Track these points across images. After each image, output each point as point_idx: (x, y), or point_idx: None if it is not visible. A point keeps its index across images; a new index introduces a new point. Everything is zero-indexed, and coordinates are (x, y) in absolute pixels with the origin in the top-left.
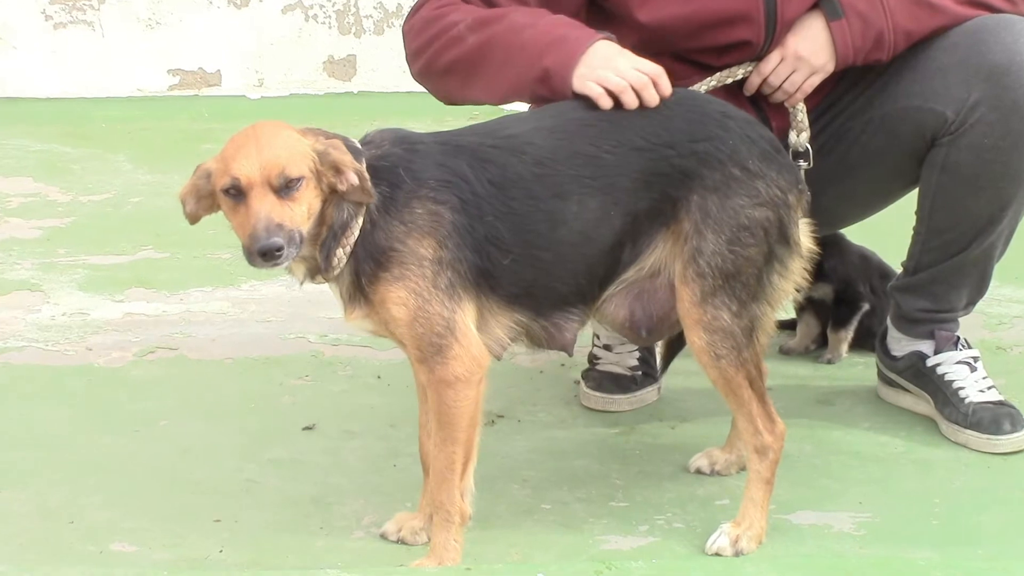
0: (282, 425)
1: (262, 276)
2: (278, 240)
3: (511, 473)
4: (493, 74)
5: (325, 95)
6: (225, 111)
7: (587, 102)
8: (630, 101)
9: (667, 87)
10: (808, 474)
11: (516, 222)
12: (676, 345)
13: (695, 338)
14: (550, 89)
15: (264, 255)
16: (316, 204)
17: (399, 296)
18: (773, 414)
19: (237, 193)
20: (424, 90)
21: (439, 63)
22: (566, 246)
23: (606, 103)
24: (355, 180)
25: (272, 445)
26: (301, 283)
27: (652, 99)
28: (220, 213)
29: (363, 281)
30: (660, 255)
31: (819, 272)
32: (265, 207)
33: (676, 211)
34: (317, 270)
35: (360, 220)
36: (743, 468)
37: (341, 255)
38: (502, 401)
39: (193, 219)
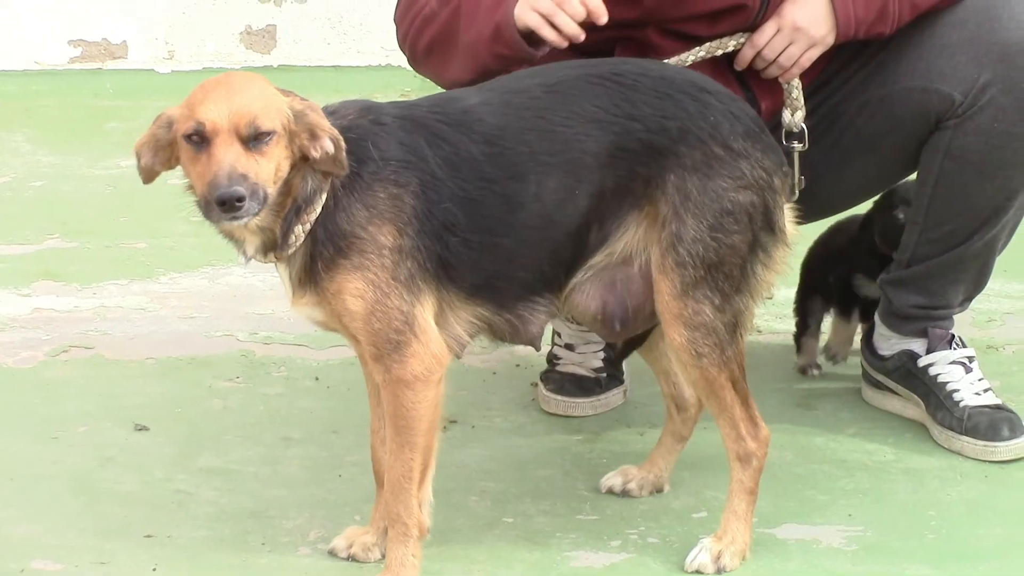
0: (214, 432)
1: (182, 267)
2: (239, 189)
3: (468, 484)
4: (463, 45)
5: (243, 68)
6: (132, 87)
7: (534, 73)
8: (563, 23)
9: (598, 14)
10: (792, 484)
11: (471, 207)
12: (636, 339)
13: (675, 334)
14: (506, 45)
15: (223, 204)
16: (285, 166)
17: (357, 287)
18: (757, 418)
19: (200, 140)
20: (351, 64)
21: (420, 45)
22: (527, 230)
23: (548, 33)
24: (330, 148)
25: (204, 453)
26: (247, 259)
27: (565, 25)
28: (177, 171)
29: (319, 266)
30: (632, 239)
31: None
32: (230, 155)
33: (649, 191)
34: (271, 246)
35: (324, 196)
36: (659, 490)
37: (299, 232)
38: (454, 405)
39: (148, 175)
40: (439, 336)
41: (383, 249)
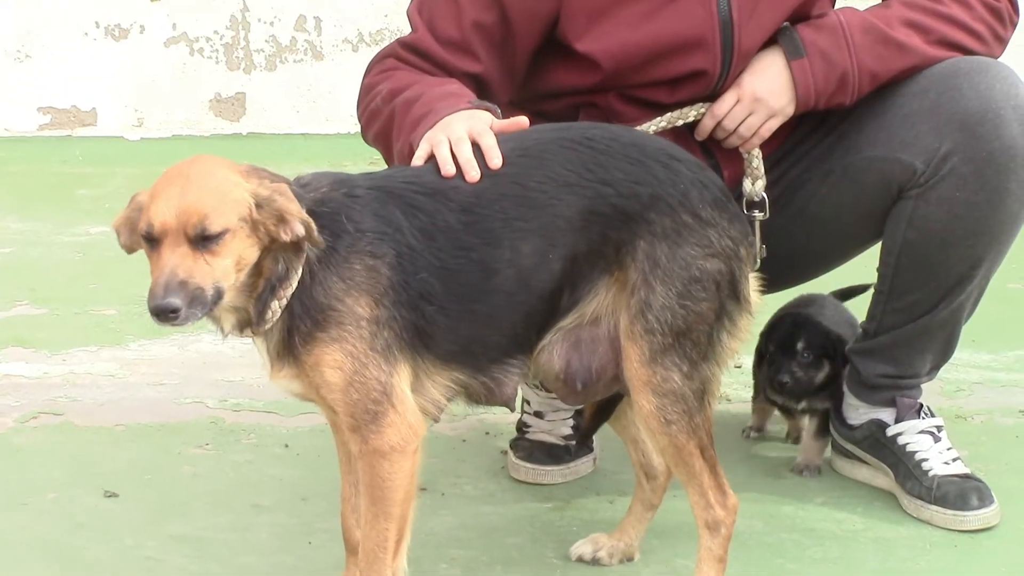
0: (183, 498)
1: (151, 335)
2: (173, 301)
3: (438, 552)
4: (395, 150)
5: (212, 136)
6: (101, 153)
7: (507, 138)
8: (443, 156)
9: (492, 157)
10: (760, 553)
11: (448, 276)
12: (604, 411)
13: (643, 402)
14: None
15: (158, 315)
16: (250, 255)
17: (335, 359)
18: (725, 486)
19: (151, 239)
20: (320, 132)
21: (368, 136)
22: (501, 295)
23: (444, 171)
24: (300, 231)
25: (173, 520)
26: (225, 336)
27: (460, 154)
28: None
29: (296, 340)
30: (601, 303)
31: (822, 385)
32: (173, 261)
33: (620, 257)
34: (247, 323)
35: (299, 271)
36: (630, 558)
37: (276, 308)
38: (424, 473)
39: (129, 250)
40: (415, 406)
41: (360, 320)
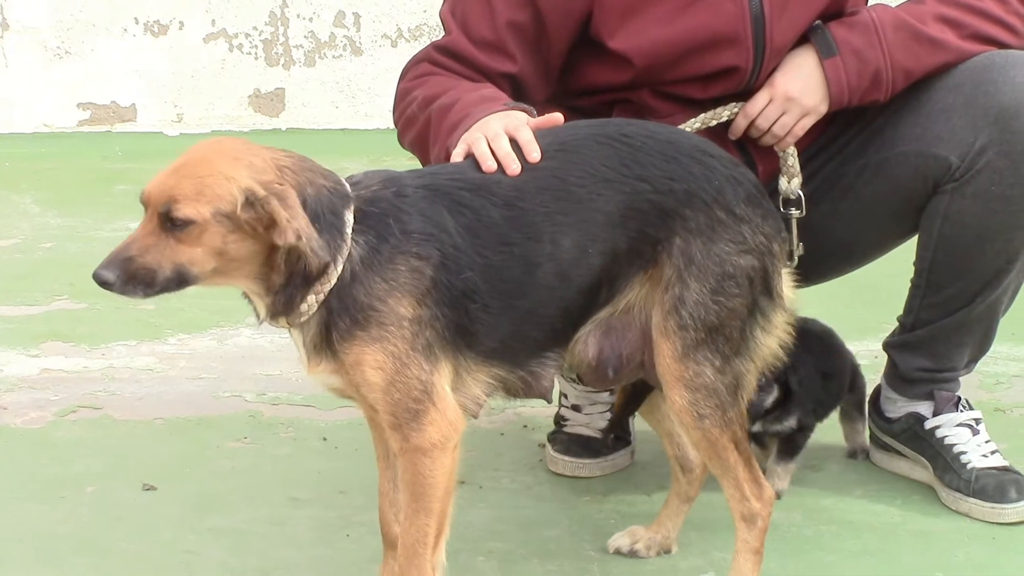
0: (221, 492)
1: (191, 329)
2: (105, 274)
3: (475, 545)
4: (432, 156)
5: (251, 132)
6: (140, 149)
7: (544, 133)
8: (482, 152)
9: (531, 151)
10: (799, 545)
11: (491, 272)
12: (634, 400)
13: (676, 396)
14: None
15: (96, 280)
16: (236, 249)
17: (377, 359)
18: (761, 478)
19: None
20: (359, 127)
21: (404, 142)
22: (542, 290)
23: (486, 166)
24: (291, 239)
25: (211, 513)
26: (260, 322)
27: (499, 148)
28: None
29: (334, 336)
30: (635, 297)
31: (788, 406)
32: (136, 235)
33: (656, 254)
34: (279, 313)
35: (339, 267)
36: (667, 550)
37: (312, 302)
38: (462, 466)
39: None
40: (455, 402)
41: (403, 320)
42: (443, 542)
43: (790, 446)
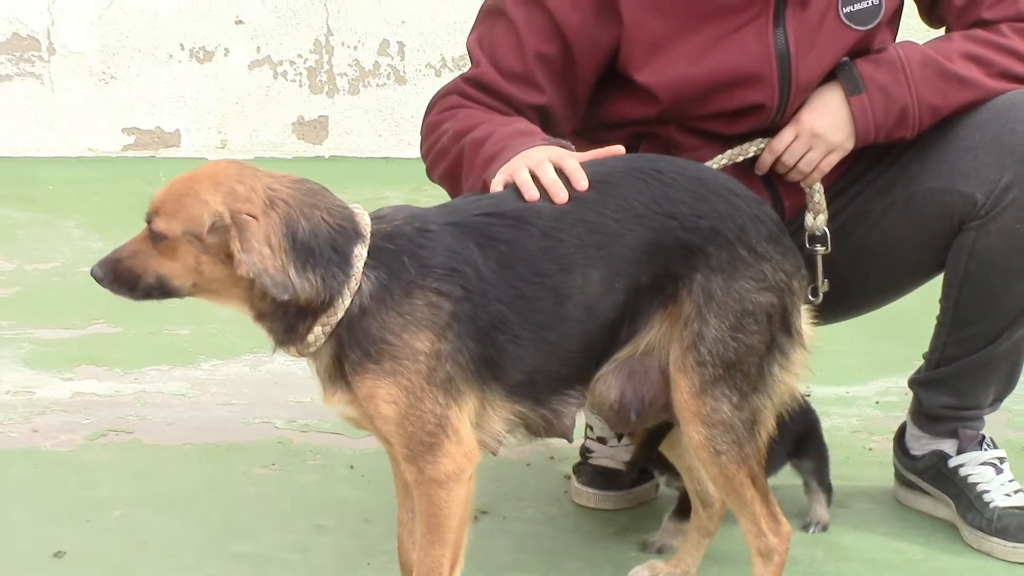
0: (247, 518)
1: (224, 355)
2: (96, 271)
3: (496, 575)
4: (465, 188)
5: (294, 159)
6: None
7: (586, 164)
8: (523, 180)
9: (578, 179)
10: None
11: (523, 303)
12: (654, 440)
13: (693, 432)
14: None
15: (91, 274)
16: (210, 271)
17: (389, 393)
18: (778, 514)
19: None
20: (401, 156)
21: (435, 174)
22: (571, 322)
23: (528, 195)
24: (242, 271)
25: (237, 539)
26: (273, 350)
27: (544, 176)
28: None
29: (346, 368)
30: (655, 336)
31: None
32: (133, 239)
33: (676, 291)
34: (283, 340)
35: (345, 301)
36: None
37: (319, 333)
38: (486, 496)
39: None
40: (471, 433)
41: (419, 355)
42: (458, 572)
43: (684, 506)
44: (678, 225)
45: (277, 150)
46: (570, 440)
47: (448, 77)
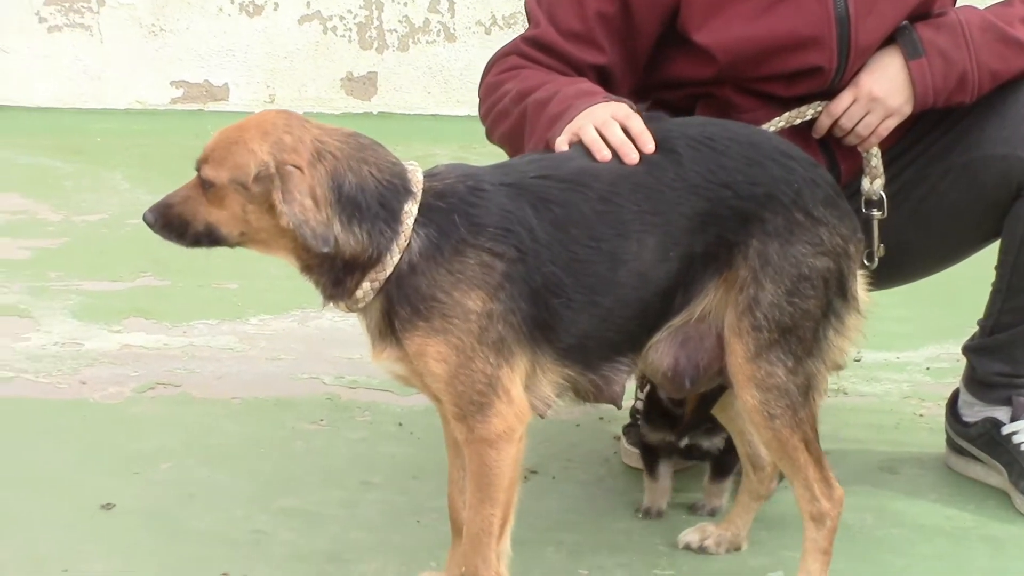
0: (295, 473)
1: (273, 310)
2: (148, 216)
3: (545, 535)
4: (528, 148)
5: (342, 115)
6: None
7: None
8: (591, 138)
9: (645, 141)
10: (868, 547)
11: (577, 267)
12: (706, 404)
13: (747, 396)
14: None
15: (144, 219)
16: (257, 220)
17: (439, 351)
18: (831, 479)
19: None
20: (450, 114)
21: (495, 135)
22: (625, 288)
23: (599, 155)
24: (283, 221)
25: (284, 494)
26: (323, 305)
27: (613, 136)
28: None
29: (396, 324)
30: (710, 302)
31: (716, 422)
32: (185, 185)
33: (732, 257)
34: (332, 294)
35: (394, 257)
36: (737, 548)
37: (367, 289)
38: (535, 456)
39: None
40: (522, 393)
41: (469, 314)
42: (508, 531)
43: (722, 466)
44: (732, 195)
45: (325, 106)
46: (619, 407)
47: (498, 35)
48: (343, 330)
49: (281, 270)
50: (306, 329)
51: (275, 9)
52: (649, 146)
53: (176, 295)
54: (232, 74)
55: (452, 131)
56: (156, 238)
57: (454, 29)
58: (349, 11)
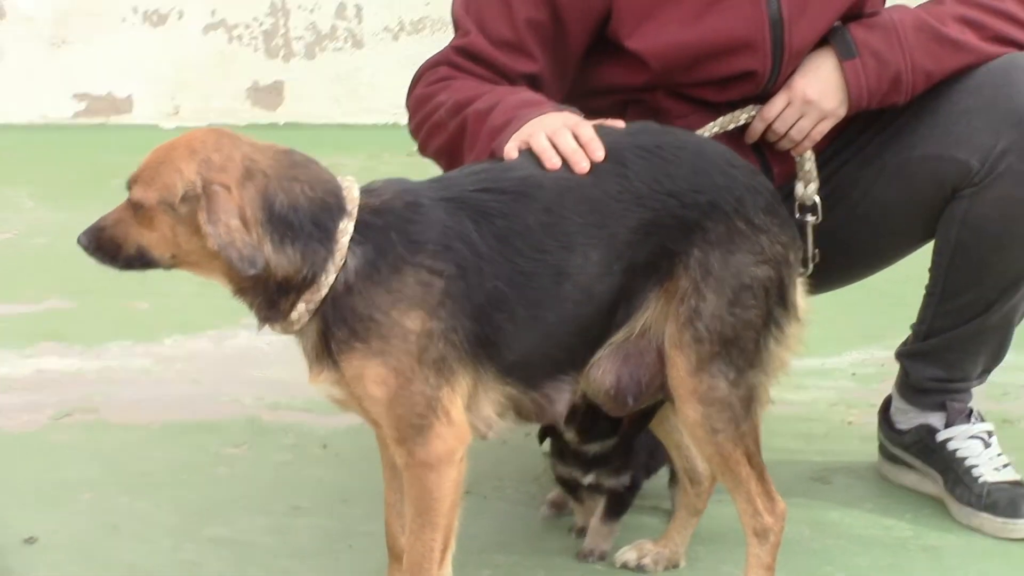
0: (221, 500)
1: (186, 329)
2: (82, 239)
3: (480, 557)
4: (468, 161)
5: (248, 126)
6: (136, 142)
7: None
8: (542, 147)
9: (594, 149)
10: (808, 561)
11: (521, 280)
12: (644, 417)
13: (689, 411)
14: None
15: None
16: (184, 242)
17: (378, 374)
18: (773, 493)
19: None
20: (359, 123)
21: (429, 149)
22: (568, 303)
23: (549, 163)
24: (210, 244)
25: (211, 522)
26: (259, 327)
27: (564, 144)
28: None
29: (333, 346)
30: (651, 315)
31: (626, 462)
32: (118, 207)
33: (672, 267)
34: (266, 316)
35: (329, 277)
36: (675, 565)
37: (303, 311)
38: (466, 475)
39: None
40: (463, 414)
41: (408, 334)
42: (449, 556)
43: (618, 505)
44: (678, 203)
45: (231, 116)
46: (560, 427)
47: (405, 41)
48: (260, 349)
49: (193, 287)
50: (222, 349)
51: (179, 18)
52: (599, 154)
53: (86, 316)
54: (136, 86)
55: (361, 140)
56: (62, 257)
57: (361, 36)
58: (255, 19)
